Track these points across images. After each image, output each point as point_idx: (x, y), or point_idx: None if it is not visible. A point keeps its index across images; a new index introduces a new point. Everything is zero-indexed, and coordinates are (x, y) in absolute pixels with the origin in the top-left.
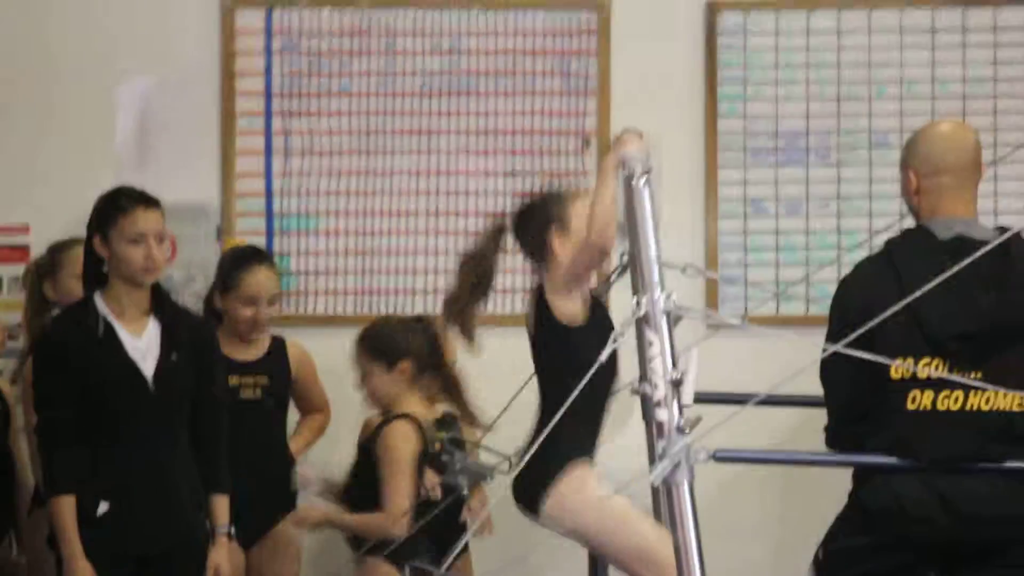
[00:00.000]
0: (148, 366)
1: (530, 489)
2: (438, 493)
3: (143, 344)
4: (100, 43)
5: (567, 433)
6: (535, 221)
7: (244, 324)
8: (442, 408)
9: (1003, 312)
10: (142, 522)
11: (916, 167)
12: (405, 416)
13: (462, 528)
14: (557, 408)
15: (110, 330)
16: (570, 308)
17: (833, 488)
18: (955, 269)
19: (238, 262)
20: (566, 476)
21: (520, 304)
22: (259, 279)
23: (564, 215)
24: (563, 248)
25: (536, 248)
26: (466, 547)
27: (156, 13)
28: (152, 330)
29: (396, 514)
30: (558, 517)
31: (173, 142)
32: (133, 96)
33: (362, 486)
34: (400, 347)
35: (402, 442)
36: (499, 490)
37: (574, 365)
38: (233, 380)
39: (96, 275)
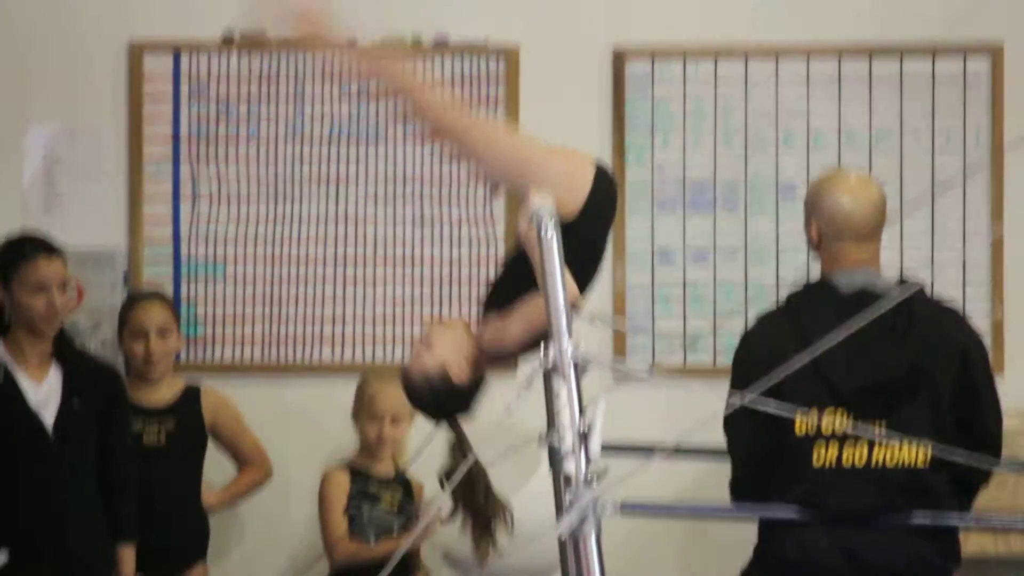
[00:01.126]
0: (48, 414)
1: None
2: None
3: (44, 391)
4: (6, 86)
5: None
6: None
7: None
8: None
9: (906, 365)
10: (43, 573)
11: (819, 223)
12: None
13: None
14: None
15: (9, 378)
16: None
17: (740, 540)
18: (860, 324)
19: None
20: None
21: None
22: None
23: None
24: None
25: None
26: None
27: (63, 56)
28: (54, 377)
29: None
30: None
31: (80, 187)
32: (40, 140)
33: None
34: None
35: None
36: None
37: None
38: (137, 425)
39: None
